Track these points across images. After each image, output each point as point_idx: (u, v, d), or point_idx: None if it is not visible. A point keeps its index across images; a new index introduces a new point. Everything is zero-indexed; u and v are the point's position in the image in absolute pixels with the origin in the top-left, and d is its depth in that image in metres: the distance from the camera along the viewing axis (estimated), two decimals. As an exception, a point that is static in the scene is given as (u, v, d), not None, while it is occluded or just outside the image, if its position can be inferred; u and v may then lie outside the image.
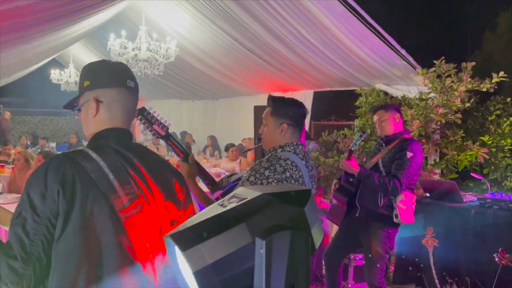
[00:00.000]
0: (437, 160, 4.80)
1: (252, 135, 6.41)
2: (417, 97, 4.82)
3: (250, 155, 7.11)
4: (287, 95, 7.72)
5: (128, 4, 6.13)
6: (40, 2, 3.53)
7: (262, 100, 7.99)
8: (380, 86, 5.55)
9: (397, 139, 3.02)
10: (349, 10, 4.39)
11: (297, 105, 2.06)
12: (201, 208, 1.90)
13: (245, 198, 0.80)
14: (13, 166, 5.80)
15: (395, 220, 2.90)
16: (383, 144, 3.11)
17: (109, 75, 1.31)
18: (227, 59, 7.08)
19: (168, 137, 1.85)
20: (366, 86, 5.77)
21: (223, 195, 2.16)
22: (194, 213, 1.39)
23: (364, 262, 3.10)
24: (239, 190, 0.85)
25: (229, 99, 9.56)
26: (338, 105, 8.03)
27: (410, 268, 3.83)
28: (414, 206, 2.95)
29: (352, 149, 3.11)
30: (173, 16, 6.26)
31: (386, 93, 5.44)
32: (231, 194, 0.85)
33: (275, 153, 1.98)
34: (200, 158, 8.18)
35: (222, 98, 9.81)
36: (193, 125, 10.86)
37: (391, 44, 4.71)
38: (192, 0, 5.54)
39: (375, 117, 3.12)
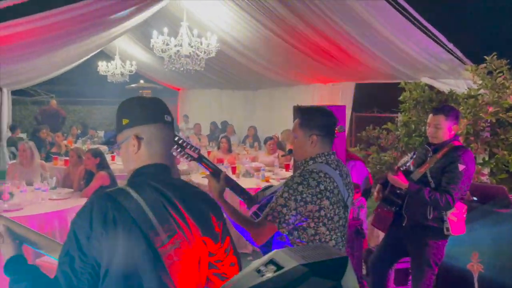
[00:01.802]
0: (486, 159, 4.60)
1: (291, 127, 6.40)
2: (466, 92, 4.61)
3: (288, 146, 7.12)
4: (328, 86, 7.61)
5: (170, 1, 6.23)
6: (88, 13, 3.68)
7: (302, 93, 7.93)
8: (425, 79, 5.34)
9: (446, 146, 2.85)
10: (392, 4, 4.23)
11: (326, 115, 2.04)
12: (234, 225, 1.93)
13: (282, 268, 0.82)
14: (66, 158, 6.12)
15: (446, 233, 2.80)
16: (431, 151, 2.94)
17: (147, 112, 1.34)
18: (266, 52, 7.06)
19: (201, 159, 1.90)
20: (410, 79, 5.58)
21: (259, 209, 2.19)
22: (231, 246, 1.41)
23: (411, 273, 3.03)
24: (277, 254, 0.87)
25: (269, 90, 9.55)
26: (380, 97, 7.81)
27: (454, 274, 3.72)
28: (465, 216, 2.85)
29: (401, 168, 2.94)
30: (214, 10, 6.29)
31: (431, 88, 5.23)
32: (269, 257, 0.88)
33: (307, 165, 1.97)
34: (240, 149, 8.28)
35: (262, 89, 9.82)
36: (233, 115, 10.96)
37: (438, 38, 4.51)
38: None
39: (432, 119, 2.89)
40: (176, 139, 1.72)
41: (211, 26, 6.67)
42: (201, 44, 6.02)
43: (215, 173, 2.02)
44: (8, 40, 3.75)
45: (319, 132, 1.98)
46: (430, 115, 2.95)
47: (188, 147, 1.84)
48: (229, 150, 6.56)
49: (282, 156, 6.13)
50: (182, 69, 6.16)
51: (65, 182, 5.09)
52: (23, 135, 10.11)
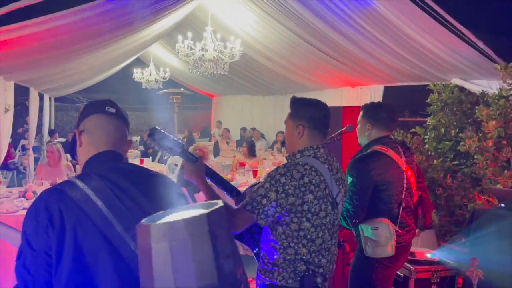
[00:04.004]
0: (521, 164, 4.28)
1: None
2: (497, 93, 4.32)
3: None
4: (356, 90, 7.43)
5: (197, 4, 6.32)
6: (118, 8, 3.75)
7: (331, 97, 7.74)
8: (456, 81, 5.07)
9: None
10: (418, 4, 4.04)
11: (317, 107, 1.97)
12: None
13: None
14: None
15: (366, 254, 2.44)
16: None
17: (90, 107, 1.41)
18: (293, 56, 6.99)
19: (184, 154, 1.81)
20: (440, 81, 5.32)
21: None
22: None
23: None
24: None
25: (298, 94, 9.41)
26: (411, 100, 7.51)
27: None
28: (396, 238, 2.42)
29: None
30: (239, 15, 6.31)
31: (462, 89, 4.96)
32: None
33: (294, 158, 1.92)
34: (267, 154, 8.22)
35: (291, 93, 9.70)
36: (264, 120, 10.96)
37: (466, 37, 4.26)
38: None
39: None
40: (156, 132, 1.70)
41: (237, 31, 6.69)
42: (226, 48, 6.04)
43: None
44: (23, 42, 3.84)
45: (307, 123, 1.92)
46: None
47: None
48: (252, 155, 6.53)
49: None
50: (206, 73, 6.21)
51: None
52: (63, 140, 10.57)
